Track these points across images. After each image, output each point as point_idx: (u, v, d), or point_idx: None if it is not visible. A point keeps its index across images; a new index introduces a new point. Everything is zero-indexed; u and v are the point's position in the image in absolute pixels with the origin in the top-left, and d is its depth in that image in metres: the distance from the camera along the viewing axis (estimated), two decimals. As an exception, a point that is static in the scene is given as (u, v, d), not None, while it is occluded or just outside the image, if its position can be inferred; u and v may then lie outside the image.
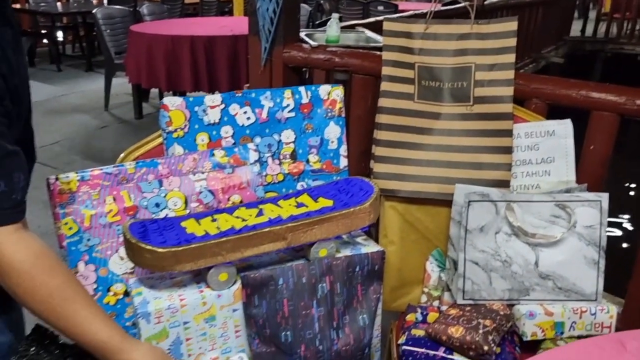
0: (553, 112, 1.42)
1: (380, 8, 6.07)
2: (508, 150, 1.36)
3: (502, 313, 1.24)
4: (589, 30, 8.39)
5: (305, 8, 5.25)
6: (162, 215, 1.20)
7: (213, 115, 1.31)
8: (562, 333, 1.25)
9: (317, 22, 5.02)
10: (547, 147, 1.38)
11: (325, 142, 1.41)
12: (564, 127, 1.38)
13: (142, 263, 1.03)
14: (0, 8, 0.86)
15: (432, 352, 1.19)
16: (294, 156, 1.39)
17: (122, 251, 1.16)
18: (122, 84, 5.10)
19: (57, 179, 1.11)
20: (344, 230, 1.18)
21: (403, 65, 1.41)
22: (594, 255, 1.26)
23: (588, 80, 1.42)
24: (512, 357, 1.19)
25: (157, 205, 1.20)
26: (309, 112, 1.39)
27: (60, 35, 7.05)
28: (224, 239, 1.05)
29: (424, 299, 1.43)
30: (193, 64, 3.75)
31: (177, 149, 1.28)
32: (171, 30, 3.96)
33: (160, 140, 1.30)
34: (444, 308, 1.35)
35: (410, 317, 1.34)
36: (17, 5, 6.96)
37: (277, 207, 1.19)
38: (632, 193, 4.39)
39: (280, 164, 1.37)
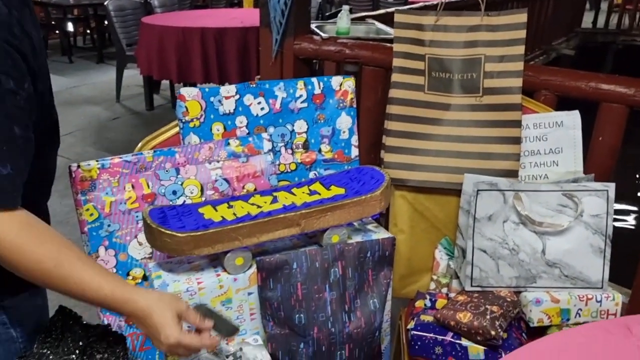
0: (562, 104, 1.43)
1: (390, 0, 6.05)
2: (517, 140, 1.38)
3: (509, 300, 1.27)
4: (601, 22, 8.31)
5: (315, 0, 5.26)
6: (179, 202, 1.24)
7: (228, 106, 1.34)
8: (568, 320, 1.27)
9: (327, 14, 5.02)
10: (555, 138, 1.40)
11: (337, 132, 1.44)
12: (572, 118, 1.39)
13: (162, 247, 1.07)
14: None
15: (440, 337, 1.22)
16: (306, 146, 1.42)
17: (141, 237, 1.20)
18: (133, 76, 5.14)
19: (78, 166, 1.15)
20: (355, 217, 1.21)
21: (414, 57, 1.44)
22: (600, 244, 1.28)
23: (599, 73, 1.43)
24: (519, 343, 1.22)
25: (174, 192, 1.24)
26: (321, 103, 1.42)
27: (71, 27, 7.10)
28: (240, 224, 1.08)
29: (432, 286, 1.46)
30: (203, 55, 3.78)
31: (194, 138, 1.32)
32: (182, 22, 3.98)
33: (176, 129, 1.34)
34: (452, 295, 1.38)
35: (419, 304, 1.37)
36: (29, -3, 7.00)
37: (290, 194, 1.22)
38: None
39: (293, 153, 1.41)
